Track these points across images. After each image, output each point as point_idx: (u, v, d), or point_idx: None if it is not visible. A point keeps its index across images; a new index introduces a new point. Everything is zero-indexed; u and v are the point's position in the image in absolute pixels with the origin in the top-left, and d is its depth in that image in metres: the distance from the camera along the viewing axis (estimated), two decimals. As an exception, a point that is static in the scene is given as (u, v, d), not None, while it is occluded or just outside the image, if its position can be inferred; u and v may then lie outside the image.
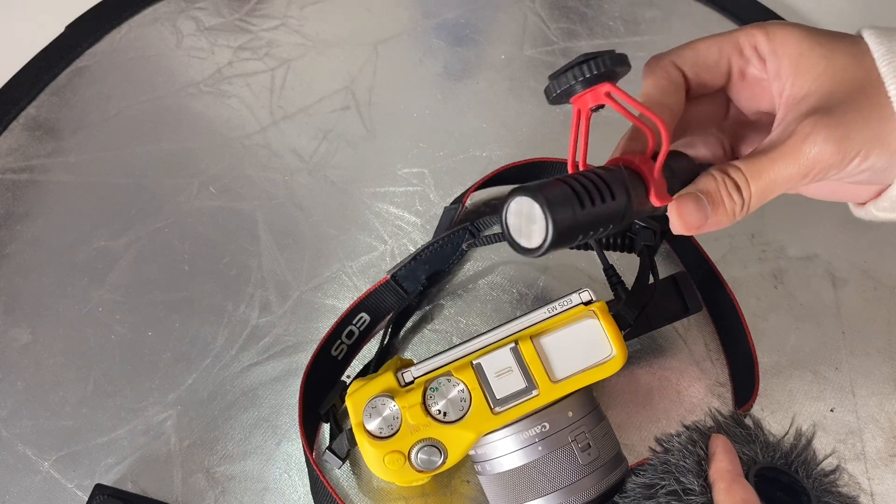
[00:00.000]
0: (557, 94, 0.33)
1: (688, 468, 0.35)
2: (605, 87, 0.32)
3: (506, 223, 0.30)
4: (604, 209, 0.30)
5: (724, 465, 0.34)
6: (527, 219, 0.29)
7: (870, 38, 0.33)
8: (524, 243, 0.30)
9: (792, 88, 0.34)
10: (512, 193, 0.30)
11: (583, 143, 0.34)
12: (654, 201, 0.33)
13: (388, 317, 0.52)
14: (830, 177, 0.32)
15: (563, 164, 0.56)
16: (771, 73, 0.35)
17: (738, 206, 0.32)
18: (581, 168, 0.34)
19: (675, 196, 0.33)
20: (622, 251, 0.48)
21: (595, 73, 0.31)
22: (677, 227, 0.33)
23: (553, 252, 0.29)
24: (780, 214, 0.57)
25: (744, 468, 0.34)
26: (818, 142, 0.31)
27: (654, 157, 0.33)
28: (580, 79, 0.31)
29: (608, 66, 0.31)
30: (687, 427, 0.38)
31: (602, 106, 0.33)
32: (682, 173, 0.35)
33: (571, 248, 0.31)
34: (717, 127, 0.40)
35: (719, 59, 0.36)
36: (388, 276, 0.51)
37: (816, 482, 0.35)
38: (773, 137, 0.33)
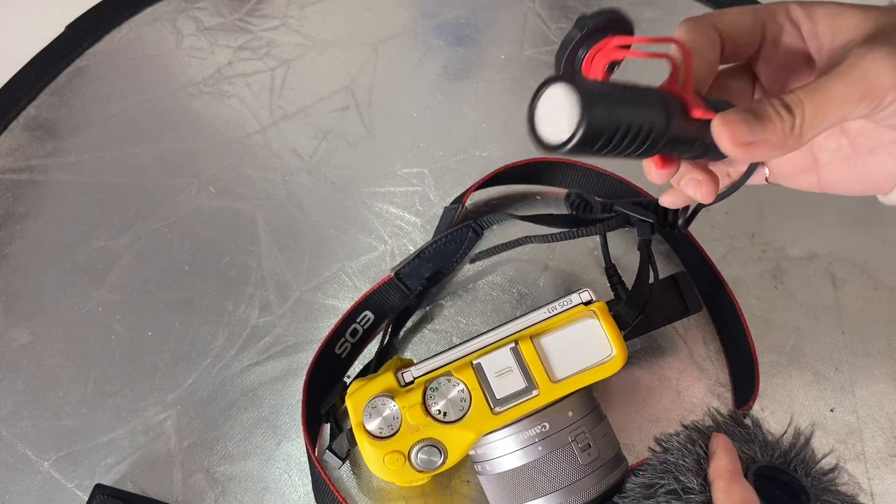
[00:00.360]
0: (563, 65, 0.31)
1: (687, 467, 0.35)
2: (613, 42, 0.30)
3: (533, 114, 0.27)
4: (641, 114, 0.27)
5: (723, 463, 0.34)
6: (557, 110, 0.26)
7: None
8: (550, 137, 0.27)
9: (832, 41, 0.33)
10: (545, 82, 0.27)
11: None
12: (695, 113, 0.30)
13: (389, 316, 0.52)
14: (885, 106, 0.30)
15: (563, 164, 0.56)
16: (807, 34, 0.34)
17: (789, 126, 0.29)
18: None
19: (718, 114, 0.30)
20: (624, 226, 0.47)
21: (592, 26, 0.29)
22: (724, 140, 0.29)
23: (576, 153, 0.26)
24: (780, 214, 0.57)
25: (743, 467, 0.34)
26: (877, 59, 0.29)
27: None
28: (578, 39, 0.29)
29: (603, 19, 0.29)
30: (686, 426, 0.38)
31: (617, 64, 0.31)
32: (724, 107, 0.32)
33: (594, 154, 0.28)
34: None
35: (753, 25, 0.35)
36: (393, 274, 0.51)
37: (815, 481, 0.35)
38: (823, 66, 0.32)
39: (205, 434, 0.48)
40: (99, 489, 0.46)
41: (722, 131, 0.29)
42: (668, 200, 0.39)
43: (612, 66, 0.31)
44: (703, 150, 0.32)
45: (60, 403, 0.49)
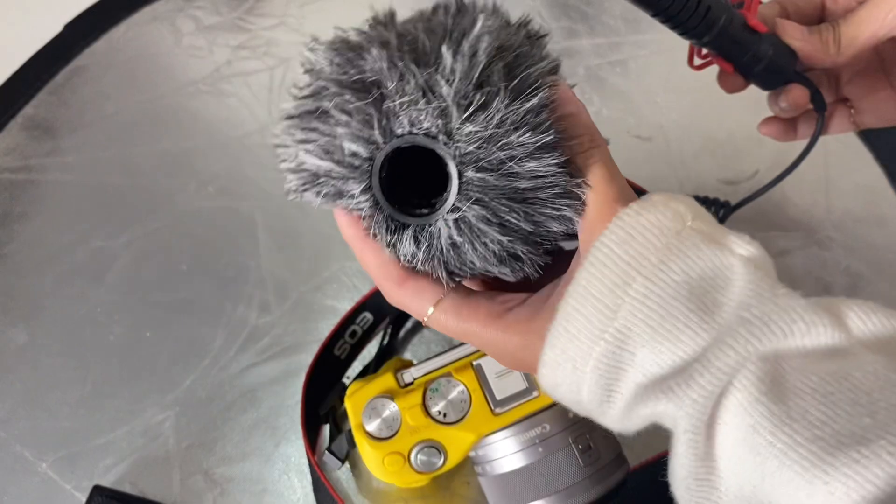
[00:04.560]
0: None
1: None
2: None
3: None
4: None
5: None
6: None
7: None
8: None
9: None
10: None
11: None
12: (752, 21, 0.35)
13: (389, 317, 0.52)
14: None
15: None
16: None
17: (830, 37, 0.35)
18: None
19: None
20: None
21: None
22: (787, 31, 0.36)
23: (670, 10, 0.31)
24: (780, 215, 0.57)
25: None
26: None
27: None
28: None
29: None
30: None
31: None
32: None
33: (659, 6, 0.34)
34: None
35: None
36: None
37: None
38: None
39: (203, 435, 0.48)
40: (97, 490, 0.45)
41: (785, 25, 0.36)
42: (766, 131, 0.43)
43: None
44: (754, 63, 0.36)
45: (58, 404, 0.49)
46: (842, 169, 0.59)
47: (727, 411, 0.25)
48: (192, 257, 0.55)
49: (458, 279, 0.30)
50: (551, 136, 0.27)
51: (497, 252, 0.28)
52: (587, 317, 0.27)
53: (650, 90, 0.62)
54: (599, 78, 0.63)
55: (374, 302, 0.51)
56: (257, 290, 0.53)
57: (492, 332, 0.30)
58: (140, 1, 0.67)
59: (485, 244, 0.28)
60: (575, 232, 0.29)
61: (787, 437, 0.23)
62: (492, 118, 0.26)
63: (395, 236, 0.29)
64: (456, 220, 0.28)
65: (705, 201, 0.51)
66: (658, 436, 0.39)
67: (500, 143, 0.27)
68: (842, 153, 0.59)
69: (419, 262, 0.29)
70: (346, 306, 0.51)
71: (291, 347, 0.51)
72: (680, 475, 0.27)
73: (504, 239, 0.28)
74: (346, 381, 0.50)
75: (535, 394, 0.38)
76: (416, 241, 0.28)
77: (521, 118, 0.27)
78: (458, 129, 0.27)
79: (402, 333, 0.52)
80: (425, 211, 0.28)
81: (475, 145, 0.27)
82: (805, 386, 0.24)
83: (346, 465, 0.46)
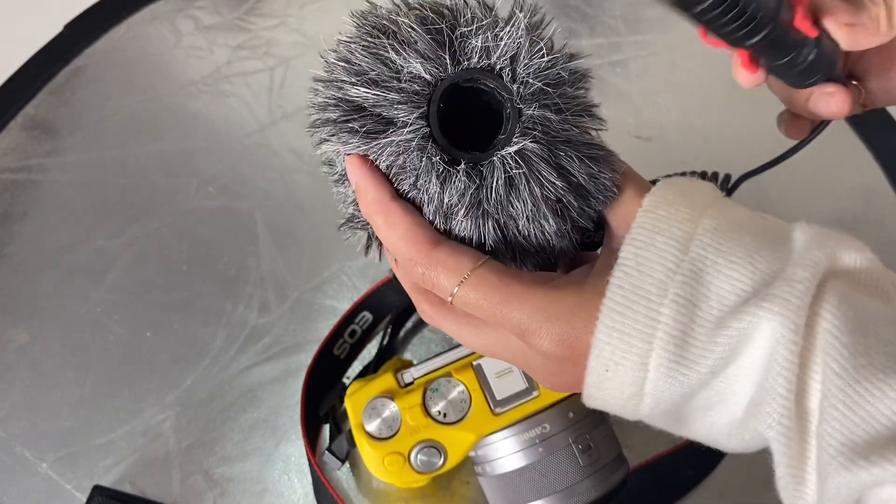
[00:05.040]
0: None
1: None
2: None
3: None
4: None
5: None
6: None
7: None
8: None
9: None
10: None
11: None
12: (798, 22, 0.31)
13: (390, 316, 0.52)
14: None
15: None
16: None
17: (882, 11, 0.31)
18: None
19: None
20: None
21: None
22: (831, 22, 0.31)
23: (709, 14, 0.26)
24: (780, 215, 0.56)
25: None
26: None
27: None
28: None
29: None
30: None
31: None
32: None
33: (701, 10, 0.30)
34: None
35: None
36: (391, 275, 0.51)
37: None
38: None
39: (203, 435, 0.48)
40: (97, 490, 0.45)
41: (834, 8, 0.31)
42: (792, 132, 0.38)
43: None
44: (792, 66, 0.32)
45: (59, 404, 0.49)
46: (842, 169, 0.59)
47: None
48: (192, 257, 0.55)
49: (498, 243, 0.28)
50: (597, 106, 0.28)
51: (552, 198, 0.27)
52: (660, 251, 0.25)
53: (650, 90, 0.62)
54: (599, 78, 0.63)
55: (374, 301, 0.51)
56: (257, 290, 0.53)
57: (540, 293, 0.27)
58: (140, 1, 0.67)
59: (541, 183, 0.27)
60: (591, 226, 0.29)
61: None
62: (558, 62, 0.27)
63: (443, 176, 0.27)
64: (515, 154, 0.27)
65: (703, 175, 0.50)
66: (658, 436, 0.39)
67: (561, 90, 0.27)
68: (842, 153, 0.60)
69: (462, 213, 0.27)
70: (345, 306, 0.51)
71: (291, 347, 0.51)
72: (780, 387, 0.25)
73: (559, 184, 0.27)
74: (346, 381, 0.50)
75: (535, 394, 0.38)
76: (469, 179, 0.27)
77: (581, 76, 0.28)
78: (528, 63, 0.27)
79: (402, 333, 0.52)
80: (477, 153, 0.27)
81: (542, 81, 0.27)
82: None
83: (346, 465, 0.46)
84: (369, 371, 0.49)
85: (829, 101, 0.34)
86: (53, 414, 0.49)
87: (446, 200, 0.27)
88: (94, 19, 0.66)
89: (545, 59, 0.27)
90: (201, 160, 0.59)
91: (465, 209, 0.27)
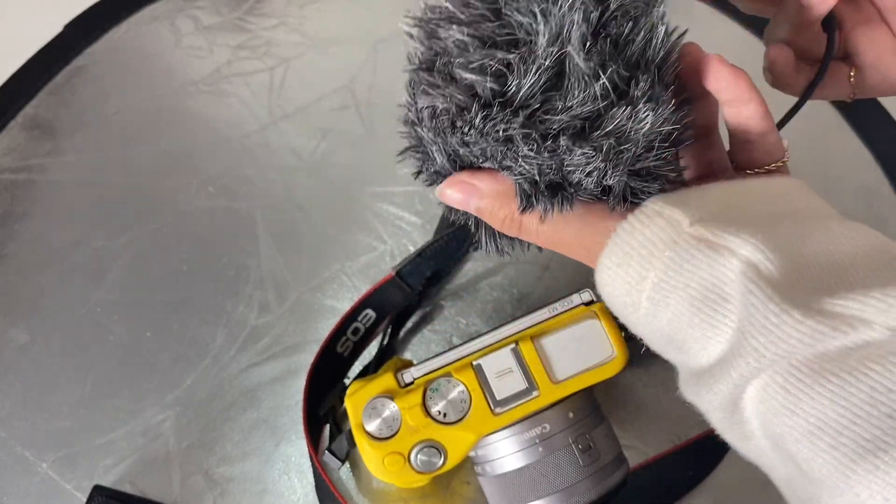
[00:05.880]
0: None
1: None
2: None
3: None
4: None
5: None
6: None
7: None
8: None
9: None
10: None
11: None
12: None
13: (391, 315, 0.52)
14: None
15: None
16: None
17: None
18: None
19: None
20: None
21: None
22: None
23: None
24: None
25: None
26: None
27: None
28: None
29: None
30: None
31: None
32: None
33: None
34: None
35: None
36: (394, 273, 0.51)
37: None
38: None
39: (203, 435, 0.48)
40: (97, 490, 0.46)
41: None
42: (775, 52, 0.38)
43: None
44: None
45: (58, 404, 0.49)
46: (842, 169, 0.59)
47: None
48: (192, 257, 0.55)
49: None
50: None
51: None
52: None
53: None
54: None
55: (377, 299, 0.51)
56: (257, 289, 0.53)
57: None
58: (140, 1, 0.67)
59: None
60: None
61: None
62: None
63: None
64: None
65: None
66: (658, 436, 0.39)
67: None
68: (842, 153, 0.60)
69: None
70: (345, 306, 0.51)
71: (291, 347, 0.51)
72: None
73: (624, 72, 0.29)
74: (346, 381, 0.50)
75: (535, 394, 0.38)
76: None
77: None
78: None
79: (402, 333, 0.52)
80: None
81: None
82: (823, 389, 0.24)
83: (347, 464, 0.46)
84: (369, 371, 0.49)
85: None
86: (53, 414, 0.49)
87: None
88: (94, 19, 0.66)
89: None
90: (201, 160, 0.59)
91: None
